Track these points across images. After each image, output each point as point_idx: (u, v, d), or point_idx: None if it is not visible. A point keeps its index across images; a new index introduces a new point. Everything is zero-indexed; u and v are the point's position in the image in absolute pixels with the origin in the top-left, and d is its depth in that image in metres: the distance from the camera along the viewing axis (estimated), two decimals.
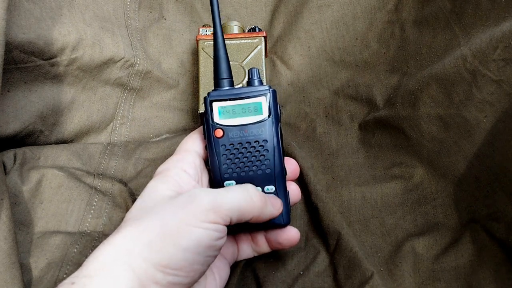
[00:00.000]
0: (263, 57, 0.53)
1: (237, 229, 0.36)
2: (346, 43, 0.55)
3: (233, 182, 0.35)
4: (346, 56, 0.55)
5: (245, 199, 0.32)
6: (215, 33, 0.37)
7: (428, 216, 0.42)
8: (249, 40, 0.53)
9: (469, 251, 0.38)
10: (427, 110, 0.44)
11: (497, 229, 0.38)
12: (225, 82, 0.37)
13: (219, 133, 0.35)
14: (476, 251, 0.38)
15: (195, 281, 0.30)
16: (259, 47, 0.53)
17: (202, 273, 0.31)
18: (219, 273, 0.36)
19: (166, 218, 0.29)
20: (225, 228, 0.31)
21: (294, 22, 0.57)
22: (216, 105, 0.36)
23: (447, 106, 0.42)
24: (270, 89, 0.36)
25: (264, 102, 0.35)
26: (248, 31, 0.55)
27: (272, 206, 0.34)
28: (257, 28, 0.54)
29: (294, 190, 0.38)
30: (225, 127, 0.35)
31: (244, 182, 0.35)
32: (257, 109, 0.35)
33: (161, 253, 0.28)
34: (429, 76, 0.44)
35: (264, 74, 0.52)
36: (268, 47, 0.57)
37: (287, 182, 0.37)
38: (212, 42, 0.53)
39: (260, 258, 0.40)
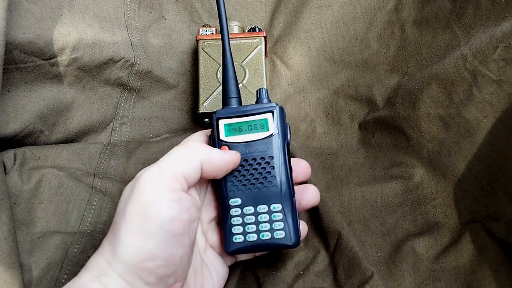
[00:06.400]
0: (263, 57, 0.53)
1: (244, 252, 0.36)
2: (346, 43, 0.55)
3: (239, 199, 0.35)
4: (346, 56, 0.55)
5: (188, 151, 0.32)
6: (224, 54, 0.38)
7: (428, 216, 0.42)
8: (249, 40, 0.53)
9: (469, 251, 0.38)
10: (427, 110, 0.44)
11: (497, 229, 0.38)
12: (233, 100, 0.37)
13: (225, 150, 0.35)
14: (476, 251, 0.38)
15: (181, 268, 0.30)
16: (259, 47, 0.53)
17: (184, 258, 0.30)
18: (217, 272, 0.36)
19: (129, 213, 0.29)
20: (187, 196, 0.30)
21: (294, 22, 0.57)
22: (222, 123, 0.36)
23: (447, 106, 0.42)
24: (277, 106, 0.36)
25: (271, 118, 0.35)
26: (248, 31, 0.55)
27: (224, 153, 0.34)
28: (257, 28, 0.54)
29: (313, 192, 0.37)
30: (231, 144, 0.35)
31: (249, 199, 0.35)
32: (263, 126, 0.35)
33: (134, 248, 0.28)
34: (429, 76, 0.44)
35: (264, 74, 0.52)
36: (268, 47, 0.57)
37: (302, 184, 0.37)
38: (212, 41, 0.53)
39: (260, 258, 0.40)
